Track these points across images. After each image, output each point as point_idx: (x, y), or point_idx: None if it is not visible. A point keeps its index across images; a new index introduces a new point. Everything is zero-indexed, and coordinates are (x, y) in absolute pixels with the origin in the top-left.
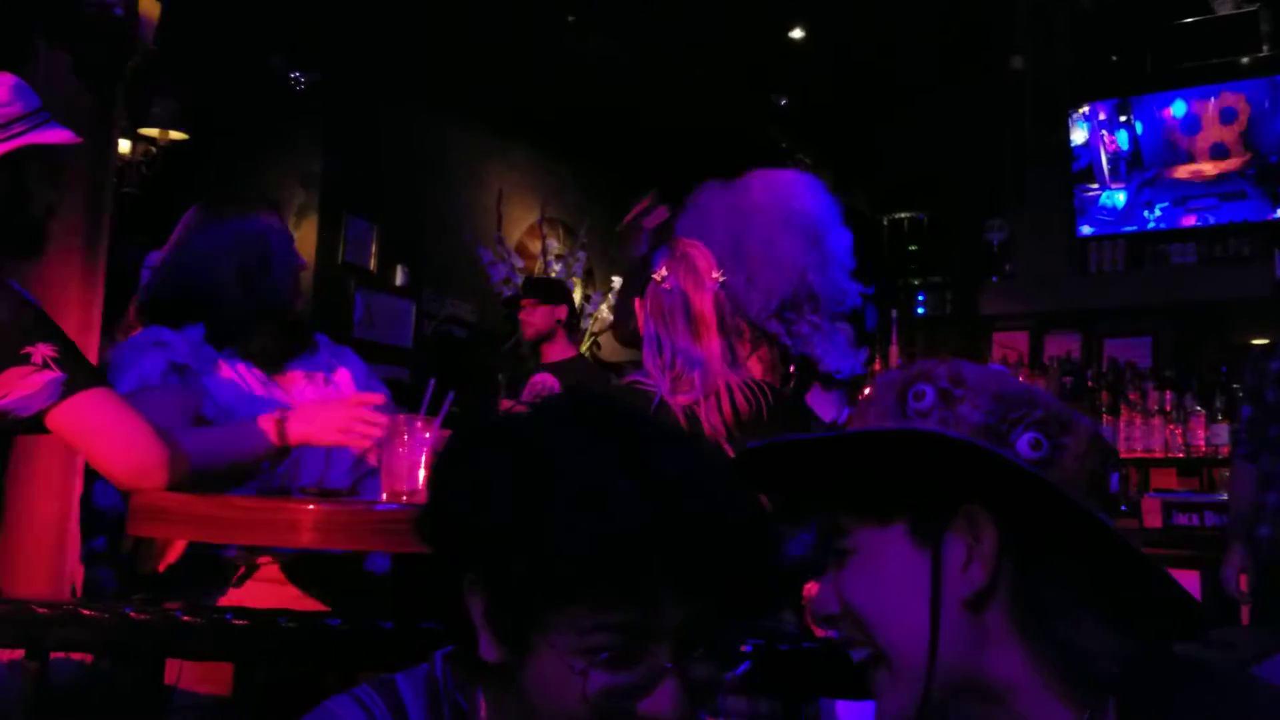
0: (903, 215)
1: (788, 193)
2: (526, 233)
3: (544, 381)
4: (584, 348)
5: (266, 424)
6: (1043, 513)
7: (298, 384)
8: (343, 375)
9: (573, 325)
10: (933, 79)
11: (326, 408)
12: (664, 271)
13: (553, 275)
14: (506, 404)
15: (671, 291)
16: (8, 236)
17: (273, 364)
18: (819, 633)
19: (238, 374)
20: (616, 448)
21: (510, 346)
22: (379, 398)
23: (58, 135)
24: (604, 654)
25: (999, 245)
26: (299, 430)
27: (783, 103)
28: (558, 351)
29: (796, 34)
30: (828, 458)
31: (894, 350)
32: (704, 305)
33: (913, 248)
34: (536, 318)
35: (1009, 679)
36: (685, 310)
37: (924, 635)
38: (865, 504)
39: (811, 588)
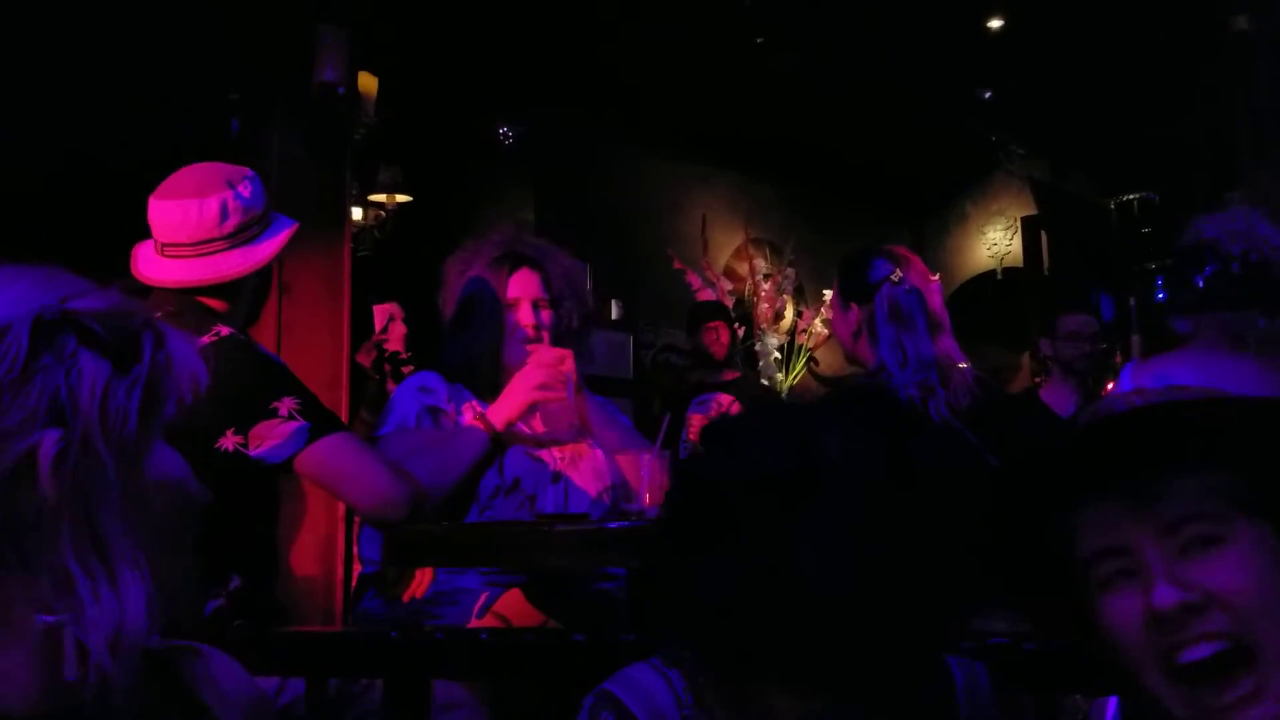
0: (1131, 197)
1: None
2: (733, 255)
3: (718, 400)
4: (800, 363)
5: (473, 428)
6: None
7: None
8: None
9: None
10: (1148, 52)
11: (509, 384)
12: (899, 274)
13: (762, 294)
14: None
15: (910, 293)
16: (252, 315)
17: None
18: None
19: (473, 411)
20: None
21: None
22: (556, 350)
23: (291, 224)
24: None
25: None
26: (499, 414)
27: (986, 96)
28: (729, 372)
29: (995, 24)
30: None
31: (1136, 340)
32: (937, 304)
33: (1145, 230)
34: (725, 337)
35: None
36: (924, 310)
37: None
38: (1245, 491)
39: None
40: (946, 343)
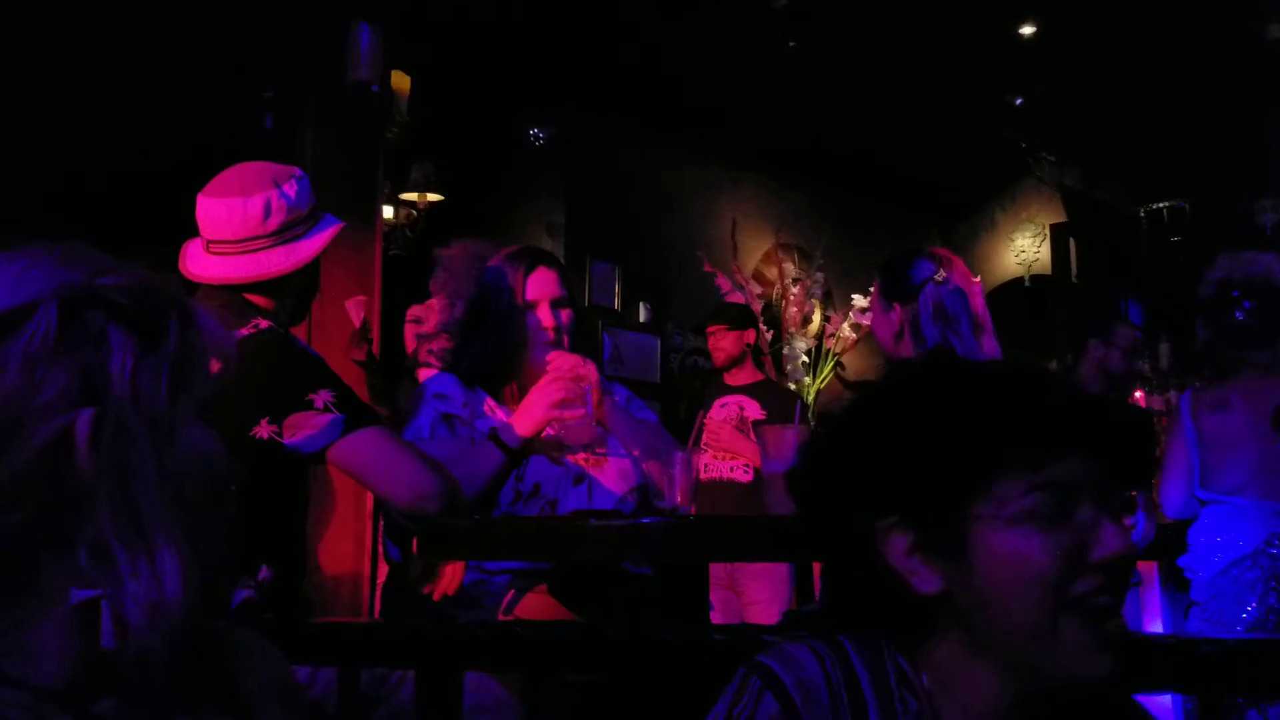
0: (1161, 205)
1: None
2: (762, 260)
3: (739, 403)
4: (828, 367)
5: (489, 447)
6: None
7: None
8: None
9: (759, 350)
10: (1179, 59)
11: (525, 400)
12: (943, 274)
13: (790, 298)
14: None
15: (954, 293)
16: (298, 313)
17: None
18: None
19: (496, 416)
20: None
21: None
22: (575, 359)
23: (336, 223)
24: (1040, 510)
25: (1272, 227)
26: (515, 433)
27: (1018, 102)
28: (745, 375)
29: (1027, 30)
30: None
31: (1165, 348)
32: (979, 305)
33: (1175, 239)
34: (726, 343)
35: None
36: (967, 311)
37: None
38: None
39: None
40: (990, 344)
